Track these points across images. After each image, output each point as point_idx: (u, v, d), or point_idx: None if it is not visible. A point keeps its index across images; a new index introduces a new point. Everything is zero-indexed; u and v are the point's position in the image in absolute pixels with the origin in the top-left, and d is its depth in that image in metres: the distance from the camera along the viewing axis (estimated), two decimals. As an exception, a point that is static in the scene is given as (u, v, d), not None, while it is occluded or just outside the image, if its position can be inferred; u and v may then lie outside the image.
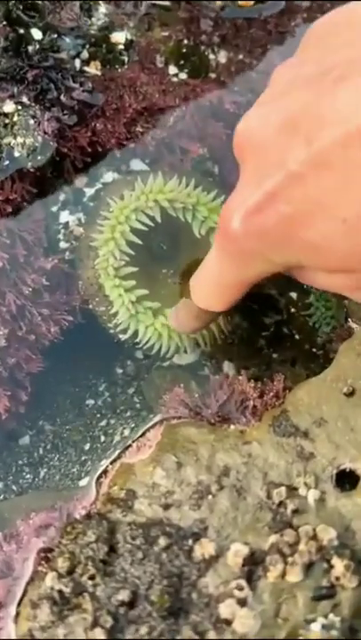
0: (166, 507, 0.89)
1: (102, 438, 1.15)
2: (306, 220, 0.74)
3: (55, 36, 1.12)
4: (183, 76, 1.19)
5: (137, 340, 1.08)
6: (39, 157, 1.08)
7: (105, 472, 0.95)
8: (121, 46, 1.17)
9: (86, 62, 1.15)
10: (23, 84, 1.08)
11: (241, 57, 1.21)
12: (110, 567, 0.85)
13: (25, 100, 1.08)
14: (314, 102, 0.72)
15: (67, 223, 1.15)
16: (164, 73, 1.18)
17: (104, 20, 1.17)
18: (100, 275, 1.06)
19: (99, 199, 1.14)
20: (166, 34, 1.19)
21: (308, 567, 0.83)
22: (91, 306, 1.10)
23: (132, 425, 1.15)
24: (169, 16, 1.19)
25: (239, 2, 1.20)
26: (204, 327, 1.03)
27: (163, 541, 0.85)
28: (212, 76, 1.20)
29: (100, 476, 0.95)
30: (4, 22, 1.09)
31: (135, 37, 1.18)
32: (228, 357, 1.17)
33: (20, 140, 1.06)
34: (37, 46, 1.09)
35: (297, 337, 1.16)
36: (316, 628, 0.79)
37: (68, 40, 1.13)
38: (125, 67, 1.17)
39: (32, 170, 1.08)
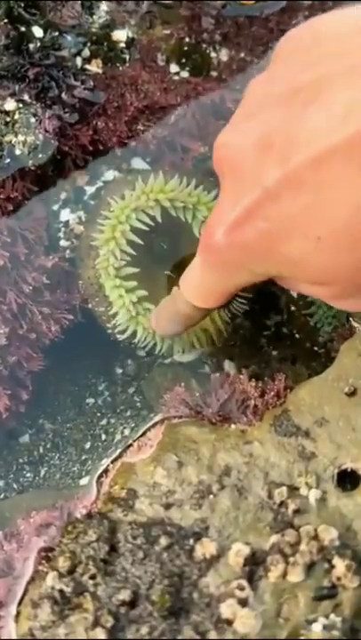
0: (167, 506, 0.89)
1: (103, 437, 1.15)
2: (283, 235, 0.76)
3: (56, 33, 1.11)
4: (185, 74, 1.19)
5: (135, 341, 1.08)
6: (40, 155, 1.08)
7: (106, 471, 0.95)
8: (122, 44, 1.17)
9: (87, 60, 1.15)
10: (24, 81, 1.08)
11: (242, 55, 1.21)
12: (111, 567, 0.85)
13: (26, 97, 1.07)
14: (286, 122, 0.74)
15: (67, 221, 1.15)
16: (166, 71, 1.18)
17: (105, 17, 1.16)
18: (101, 274, 1.06)
19: (99, 198, 1.14)
20: (168, 32, 1.19)
21: (310, 567, 0.83)
22: (90, 305, 1.10)
23: (133, 424, 1.15)
24: (170, 14, 1.19)
25: (241, 0, 1.20)
26: (184, 332, 1.03)
27: (164, 541, 0.85)
28: (214, 74, 1.20)
29: (100, 476, 0.95)
30: (6, 20, 1.09)
31: (136, 35, 1.18)
32: (228, 356, 1.17)
33: (21, 138, 1.06)
34: (39, 44, 1.09)
35: (298, 336, 1.16)
36: (317, 628, 0.79)
37: (69, 38, 1.13)
38: (127, 65, 1.17)
39: (33, 168, 1.08)
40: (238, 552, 0.83)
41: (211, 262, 0.86)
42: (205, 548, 0.84)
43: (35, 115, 1.07)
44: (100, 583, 0.83)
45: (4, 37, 1.08)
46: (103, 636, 0.79)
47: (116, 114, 1.14)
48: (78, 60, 1.14)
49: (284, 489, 0.88)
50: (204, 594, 0.83)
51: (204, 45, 1.20)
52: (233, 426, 0.96)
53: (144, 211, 1.06)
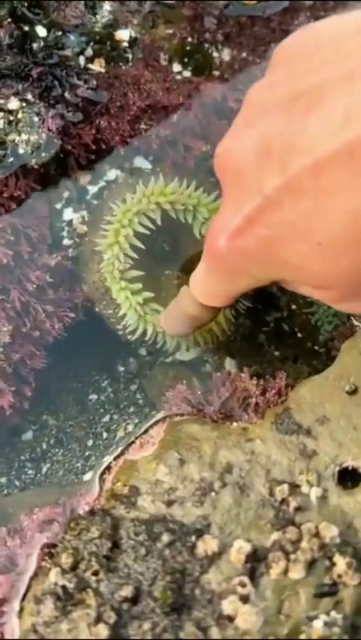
0: (169, 503, 0.89)
1: (105, 434, 1.15)
2: (284, 242, 0.77)
3: (60, 33, 1.12)
4: (187, 73, 1.19)
5: (145, 339, 1.08)
6: (43, 154, 1.08)
7: (108, 468, 0.95)
8: (125, 44, 1.17)
9: (90, 60, 1.15)
10: (28, 81, 1.08)
11: (244, 55, 1.21)
12: (114, 563, 0.85)
13: (29, 97, 1.08)
14: (286, 129, 0.74)
15: (70, 221, 1.16)
16: (168, 71, 1.18)
17: (108, 17, 1.16)
18: (107, 278, 1.06)
19: (102, 199, 1.15)
20: (170, 31, 1.19)
21: (311, 564, 0.83)
22: (98, 309, 1.11)
23: (135, 421, 1.15)
24: (173, 14, 1.19)
25: (243, 0, 1.20)
26: (192, 332, 1.04)
27: (166, 538, 0.85)
28: (216, 73, 1.20)
29: (103, 472, 0.95)
30: (9, 20, 1.09)
31: (139, 35, 1.18)
32: (230, 354, 1.17)
33: (24, 136, 1.07)
34: (42, 44, 1.09)
35: (299, 335, 1.16)
36: (318, 624, 0.80)
37: (72, 37, 1.13)
38: (129, 64, 1.17)
39: (36, 167, 1.08)
40: (240, 549, 0.84)
41: (214, 268, 0.86)
42: (207, 545, 0.85)
43: (38, 114, 1.07)
44: (102, 579, 0.84)
45: (8, 37, 1.08)
46: (106, 632, 0.80)
47: (119, 113, 1.14)
48: (81, 60, 1.14)
49: (286, 486, 0.88)
50: (205, 590, 0.83)
51: (207, 45, 1.20)
52: (235, 424, 0.96)
53: (145, 214, 1.07)
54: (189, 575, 0.84)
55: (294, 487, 0.89)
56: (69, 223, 1.16)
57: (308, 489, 0.88)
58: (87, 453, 1.15)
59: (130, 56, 1.17)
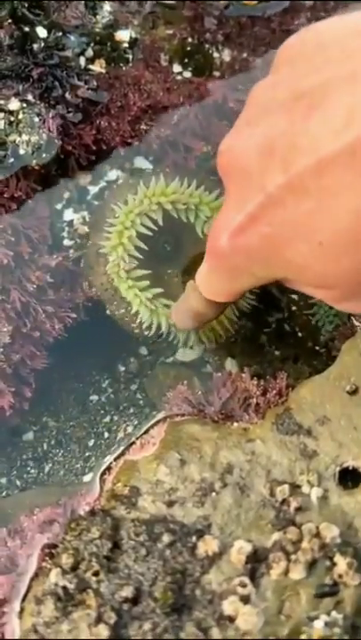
0: (170, 504, 0.89)
1: (106, 435, 1.16)
2: (286, 240, 0.77)
3: (60, 34, 1.12)
4: (187, 74, 1.19)
5: (161, 332, 1.08)
6: (44, 155, 1.08)
7: (109, 469, 0.95)
8: (125, 44, 1.17)
9: (91, 60, 1.15)
10: (28, 81, 1.08)
11: (245, 55, 1.21)
12: (114, 563, 0.85)
13: (30, 97, 1.08)
14: (289, 129, 0.74)
15: (71, 221, 1.16)
16: (169, 71, 1.18)
17: (109, 18, 1.17)
18: (114, 279, 1.07)
19: (102, 202, 1.15)
20: (171, 32, 1.19)
21: (311, 565, 0.83)
22: (109, 312, 1.11)
23: (136, 422, 1.15)
24: (173, 14, 1.19)
25: (243, 0, 1.20)
26: (199, 327, 1.05)
27: (166, 538, 0.85)
28: (216, 74, 1.20)
29: (103, 473, 0.95)
30: (10, 20, 1.09)
31: (140, 35, 1.18)
32: (230, 355, 1.17)
33: (24, 137, 1.07)
34: (42, 44, 1.10)
35: (300, 335, 1.16)
36: (318, 625, 0.80)
37: (72, 38, 1.14)
38: (130, 65, 1.17)
39: (37, 167, 1.09)
40: (240, 549, 0.84)
41: (216, 266, 0.87)
42: (208, 546, 0.85)
43: (38, 114, 1.07)
44: (102, 580, 0.84)
45: (9, 38, 1.09)
46: (106, 633, 0.80)
47: (120, 113, 1.14)
48: (82, 60, 1.14)
49: (286, 487, 0.88)
50: (206, 591, 0.83)
51: (207, 45, 1.20)
52: (235, 424, 0.96)
53: (147, 215, 1.07)
54: (190, 576, 0.84)
55: (295, 487, 0.89)
56: (70, 224, 1.16)
57: (308, 489, 0.88)
58: (87, 454, 1.15)
59: (130, 57, 1.17)
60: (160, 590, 0.82)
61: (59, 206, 1.15)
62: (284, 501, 0.88)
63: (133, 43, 1.18)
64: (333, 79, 0.73)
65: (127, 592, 0.82)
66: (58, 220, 1.15)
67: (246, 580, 0.82)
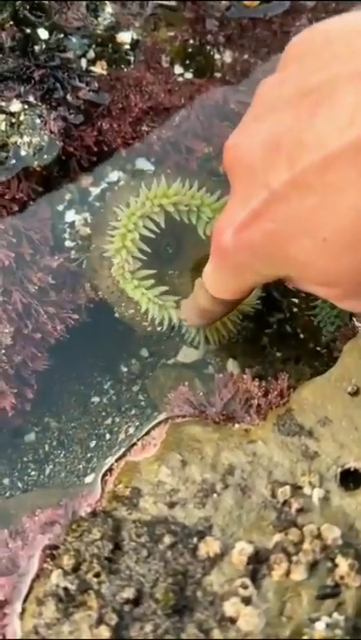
0: (171, 505, 0.89)
1: (107, 436, 1.16)
2: (290, 237, 0.77)
3: (62, 35, 1.12)
4: (189, 75, 1.19)
5: (173, 326, 1.09)
6: (45, 156, 1.08)
7: (110, 470, 0.96)
8: (127, 46, 1.17)
9: (92, 62, 1.15)
10: (30, 83, 1.09)
11: (246, 57, 1.21)
12: (115, 565, 0.85)
13: (31, 99, 1.08)
14: (295, 125, 0.75)
15: (73, 222, 1.16)
16: (170, 72, 1.18)
17: (110, 19, 1.17)
18: (119, 281, 1.07)
19: (104, 203, 1.15)
20: (172, 34, 1.19)
21: (313, 566, 0.83)
22: (117, 314, 1.11)
23: (137, 423, 1.15)
24: (175, 16, 1.19)
25: (244, 2, 1.20)
26: (208, 324, 1.05)
27: (168, 539, 0.85)
28: (218, 75, 1.20)
29: (105, 474, 0.95)
30: (11, 22, 1.09)
31: (141, 37, 1.18)
32: (232, 356, 1.17)
33: (26, 139, 1.07)
34: (44, 46, 1.10)
35: (301, 336, 1.16)
36: (320, 626, 0.80)
37: (74, 40, 1.14)
38: (131, 66, 1.17)
39: (38, 169, 1.09)
40: (242, 551, 0.84)
41: (220, 263, 0.87)
42: (209, 547, 0.85)
43: (40, 116, 1.08)
44: (104, 581, 0.84)
45: (10, 39, 1.09)
46: (107, 634, 0.80)
47: (121, 115, 1.14)
48: (83, 62, 1.14)
49: (288, 488, 0.88)
50: (207, 592, 0.83)
51: (208, 47, 1.20)
52: (236, 425, 0.96)
53: (150, 217, 1.07)
54: (191, 577, 0.84)
55: (296, 489, 0.88)
56: (71, 225, 1.16)
57: (310, 490, 0.88)
58: (89, 455, 1.15)
59: (132, 58, 1.18)
60: (161, 591, 0.82)
61: (60, 207, 1.16)
62: (285, 502, 0.88)
63: (135, 44, 1.18)
64: (340, 76, 0.73)
65: (128, 593, 0.82)
66: (59, 221, 1.15)
67: (248, 581, 0.82)
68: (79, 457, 1.15)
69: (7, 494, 1.12)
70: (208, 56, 1.21)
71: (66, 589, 0.84)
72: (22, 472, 1.14)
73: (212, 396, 1.00)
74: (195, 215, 1.09)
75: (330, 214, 0.73)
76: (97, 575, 0.84)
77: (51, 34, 1.11)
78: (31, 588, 0.87)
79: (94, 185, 1.17)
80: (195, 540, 0.86)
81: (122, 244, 1.06)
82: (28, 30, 1.10)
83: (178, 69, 1.19)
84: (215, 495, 0.89)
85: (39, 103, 1.08)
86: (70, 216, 1.16)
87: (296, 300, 1.16)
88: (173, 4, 1.19)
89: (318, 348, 1.14)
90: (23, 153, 1.07)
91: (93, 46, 1.15)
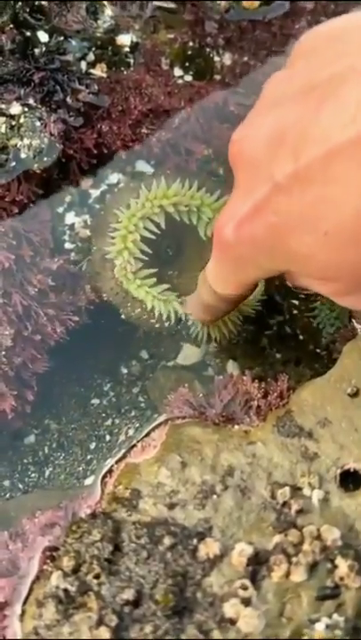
0: (171, 506, 0.89)
1: (107, 437, 1.16)
2: (291, 230, 0.78)
3: (61, 38, 1.13)
4: (188, 77, 1.19)
5: (179, 318, 1.09)
6: (45, 159, 1.09)
7: (110, 471, 0.96)
8: (126, 48, 1.17)
9: (92, 64, 1.15)
10: (30, 86, 1.09)
11: (246, 59, 1.21)
12: (115, 566, 0.85)
13: (31, 101, 1.08)
14: (300, 119, 0.75)
15: (72, 224, 1.16)
16: (170, 75, 1.19)
17: (110, 22, 1.17)
18: (122, 282, 1.07)
19: (104, 205, 1.15)
20: (171, 36, 1.19)
21: (313, 567, 0.83)
22: (124, 316, 1.11)
23: (137, 424, 1.15)
24: (174, 18, 1.20)
25: (244, 2, 1.20)
26: (212, 320, 1.06)
27: (167, 541, 0.85)
28: (217, 77, 1.21)
29: (105, 476, 0.95)
30: (11, 25, 1.10)
31: (141, 40, 1.19)
32: (232, 357, 1.17)
33: (26, 141, 1.07)
34: (44, 49, 1.10)
35: (301, 337, 1.17)
36: (320, 627, 0.80)
37: (74, 42, 1.14)
38: (131, 69, 1.17)
39: (38, 171, 1.09)
40: (241, 552, 0.84)
41: (221, 256, 0.87)
42: (209, 548, 0.85)
43: (40, 118, 1.08)
44: (104, 582, 0.84)
45: (10, 42, 1.09)
46: (107, 635, 0.80)
47: (121, 117, 1.15)
48: (83, 65, 1.15)
49: (287, 489, 0.88)
50: (207, 593, 0.83)
51: (208, 49, 1.21)
52: (236, 426, 0.96)
53: (150, 218, 1.07)
54: (191, 578, 0.84)
55: (296, 490, 0.89)
56: (71, 227, 1.16)
57: (309, 491, 0.88)
58: (89, 457, 1.15)
59: (131, 61, 1.18)
60: (161, 593, 0.82)
61: (60, 210, 1.16)
62: (285, 504, 0.88)
63: (134, 47, 1.18)
64: (346, 72, 0.74)
65: (128, 594, 0.83)
66: (59, 223, 1.16)
67: (247, 582, 0.82)
68: (79, 459, 1.15)
69: (7, 496, 1.12)
70: (208, 58, 1.21)
71: (66, 591, 0.84)
72: (22, 474, 1.14)
73: (212, 397, 1.00)
74: (195, 215, 1.10)
75: (331, 208, 0.74)
76: (97, 576, 0.84)
77: (50, 36, 1.12)
78: (31, 589, 0.87)
79: (94, 187, 1.17)
80: (194, 541, 0.86)
81: (123, 245, 1.06)
82: (28, 33, 1.11)
83: (177, 72, 1.19)
84: (215, 496, 0.89)
85: (39, 106, 1.09)
86: (70, 218, 1.16)
87: (296, 302, 1.16)
88: (173, 6, 1.19)
89: (318, 350, 1.14)
90: (23, 155, 1.08)
91: (93, 49, 1.15)
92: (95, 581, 0.84)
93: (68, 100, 1.11)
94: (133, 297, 1.08)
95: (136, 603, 0.82)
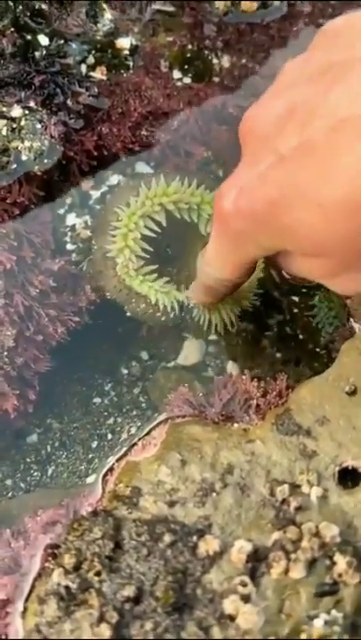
0: (171, 504, 0.90)
1: (109, 436, 1.16)
2: (289, 202, 0.79)
3: (62, 41, 1.13)
4: (187, 80, 1.20)
5: (182, 305, 1.10)
6: (46, 161, 1.09)
7: (111, 470, 0.96)
8: (126, 51, 1.18)
9: (92, 67, 1.16)
10: (30, 89, 1.10)
11: (244, 61, 1.22)
12: (116, 563, 0.86)
13: (32, 104, 1.09)
14: (310, 99, 0.78)
15: (73, 225, 1.17)
16: (169, 77, 1.19)
17: (109, 25, 1.18)
18: (125, 279, 1.08)
19: (104, 206, 1.16)
20: (171, 39, 1.20)
21: (311, 564, 0.83)
22: (129, 312, 1.12)
23: (138, 423, 1.16)
24: (173, 22, 1.20)
25: (242, 5, 1.21)
26: (213, 302, 1.07)
27: (167, 538, 0.86)
28: (216, 80, 1.21)
29: (106, 474, 0.96)
30: (12, 29, 1.10)
31: (140, 43, 1.19)
32: (232, 358, 1.18)
33: (27, 143, 1.08)
34: (44, 52, 1.11)
35: (300, 337, 1.17)
36: (318, 623, 0.80)
37: (74, 46, 1.15)
38: (130, 71, 1.18)
39: (39, 173, 1.10)
40: (241, 549, 0.84)
41: (220, 231, 0.88)
42: (208, 545, 0.85)
43: (40, 121, 1.09)
44: (104, 580, 0.84)
45: (11, 46, 1.10)
46: (108, 632, 0.80)
47: (121, 119, 1.15)
48: (83, 68, 1.15)
49: (286, 487, 0.89)
50: (207, 590, 0.83)
51: (207, 52, 1.21)
52: (235, 425, 0.96)
53: (150, 216, 1.08)
54: (191, 575, 0.84)
55: (295, 487, 0.89)
56: (72, 228, 1.17)
57: (308, 489, 0.89)
58: (91, 456, 1.15)
59: (131, 63, 1.19)
60: (161, 590, 0.83)
61: (61, 211, 1.16)
62: (284, 501, 0.88)
63: (134, 50, 1.19)
64: (357, 59, 0.76)
65: (129, 591, 0.83)
66: (60, 224, 1.16)
67: (247, 579, 0.83)
68: (81, 457, 1.15)
69: (10, 495, 1.12)
70: (206, 61, 1.21)
71: (67, 588, 0.84)
72: (25, 473, 1.14)
73: (212, 396, 1.00)
74: (195, 213, 1.10)
75: (328, 179, 0.75)
76: (98, 574, 0.85)
77: (51, 40, 1.12)
78: (33, 586, 0.87)
79: (94, 188, 1.18)
80: (194, 538, 0.86)
81: (124, 243, 1.07)
82: (29, 37, 1.11)
83: (176, 74, 1.20)
84: (214, 494, 0.90)
85: (40, 108, 1.09)
86: (71, 219, 1.17)
87: (296, 299, 1.17)
88: (172, 9, 1.20)
89: (317, 349, 1.15)
90: (24, 158, 1.08)
91: (93, 52, 1.16)
92: (96, 578, 0.84)
93: (69, 102, 1.11)
94: (137, 293, 1.09)
95: (137, 599, 0.83)
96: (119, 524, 0.88)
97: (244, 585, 0.82)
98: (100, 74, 1.16)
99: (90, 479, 1.11)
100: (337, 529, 0.85)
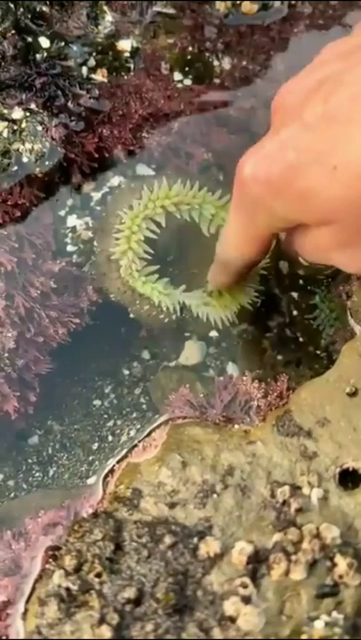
0: (172, 505, 0.90)
1: (110, 438, 1.16)
2: (304, 167, 0.81)
3: (63, 44, 1.14)
4: (188, 82, 1.20)
5: (182, 307, 1.11)
6: (47, 163, 1.10)
7: (112, 471, 0.96)
8: (127, 54, 1.18)
9: (93, 70, 1.16)
10: (31, 91, 1.10)
11: (244, 63, 1.22)
12: (116, 565, 0.85)
13: (33, 106, 1.09)
14: (339, 72, 0.81)
15: (74, 227, 1.17)
16: (169, 79, 1.20)
17: (110, 28, 1.18)
18: (128, 280, 1.08)
19: (105, 207, 1.16)
20: (171, 41, 1.20)
21: (312, 565, 0.83)
22: (133, 314, 1.12)
23: (139, 425, 1.16)
24: (174, 24, 1.21)
25: (242, 7, 1.21)
26: (230, 282, 1.08)
27: (168, 540, 0.86)
28: (217, 82, 1.22)
29: (106, 475, 0.96)
30: (13, 31, 1.11)
31: (141, 45, 1.19)
32: (232, 359, 1.18)
33: (28, 145, 1.08)
34: (45, 54, 1.11)
35: (301, 339, 1.17)
36: (319, 625, 0.80)
37: (75, 48, 1.15)
38: (131, 74, 1.18)
39: (40, 175, 1.10)
40: (242, 550, 0.84)
41: (238, 199, 0.90)
42: (209, 547, 0.85)
43: (41, 123, 1.09)
44: (105, 581, 0.84)
45: (12, 48, 1.10)
46: (109, 634, 0.80)
47: (121, 121, 1.15)
48: (84, 70, 1.15)
49: (287, 488, 0.88)
50: (207, 591, 0.83)
51: (207, 54, 1.22)
52: (236, 426, 0.96)
53: (152, 219, 1.08)
54: (191, 577, 0.84)
55: (295, 489, 0.89)
56: (73, 229, 1.17)
57: (308, 490, 0.89)
58: (91, 457, 1.15)
59: (131, 66, 1.19)
60: (162, 591, 0.83)
61: (62, 213, 1.17)
62: (284, 502, 0.88)
63: (135, 52, 1.19)
64: None
65: (129, 593, 0.83)
66: (61, 226, 1.17)
67: (247, 580, 0.82)
68: (82, 459, 1.15)
69: (11, 495, 1.13)
70: (207, 63, 1.22)
71: (68, 590, 0.84)
72: (26, 474, 1.15)
73: (213, 397, 1.00)
74: (197, 213, 1.11)
75: (345, 144, 0.78)
76: (98, 575, 0.85)
77: (52, 42, 1.13)
78: (33, 588, 0.87)
79: (95, 190, 1.18)
80: (195, 540, 0.86)
81: (128, 245, 1.08)
82: (30, 39, 1.12)
83: (177, 76, 1.20)
84: (215, 496, 0.89)
85: (41, 110, 1.10)
86: (72, 221, 1.17)
87: (295, 296, 1.17)
88: (172, 11, 1.20)
89: (318, 351, 1.15)
90: (25, 160, 1.09)
91: (94, 54, 1.16)
92: (97, 580, 0.84)
93: (70, 104, 1.12)
94: (140, 294, 1.09)
95: (137, 601, 0.83)
96: (120, 525, 0.88)
97: (245, 586, 0.82)
98: (100, 76, 1.16)
99: (91, 480, 1.11)
100: (338, 530, 0.85)
